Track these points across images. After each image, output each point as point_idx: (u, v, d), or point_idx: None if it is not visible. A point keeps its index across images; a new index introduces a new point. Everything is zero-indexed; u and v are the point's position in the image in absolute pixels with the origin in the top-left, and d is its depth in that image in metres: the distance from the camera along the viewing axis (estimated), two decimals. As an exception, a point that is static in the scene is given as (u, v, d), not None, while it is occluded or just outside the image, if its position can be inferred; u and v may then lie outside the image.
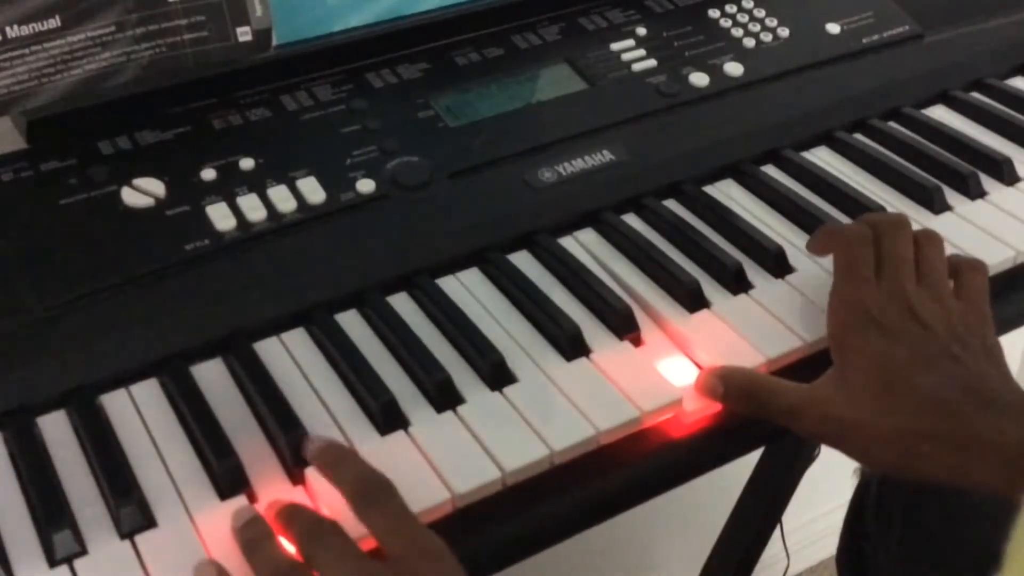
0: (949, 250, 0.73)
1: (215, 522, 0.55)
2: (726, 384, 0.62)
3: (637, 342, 0.66)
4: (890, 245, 0.66)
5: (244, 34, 0.76)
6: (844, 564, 0.92)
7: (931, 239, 0.68)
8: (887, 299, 0.63)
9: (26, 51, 0.69)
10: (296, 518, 0.54)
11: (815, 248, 0.72)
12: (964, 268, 0.68)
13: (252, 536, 0.54)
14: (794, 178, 0.81)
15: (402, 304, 0.68)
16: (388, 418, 0.60)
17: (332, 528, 0.53)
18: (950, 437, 0.58)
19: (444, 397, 0.62)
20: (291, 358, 0.65)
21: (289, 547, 0.53)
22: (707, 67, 0.87)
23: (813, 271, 0.72)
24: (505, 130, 0.80)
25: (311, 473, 0.57)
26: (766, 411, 0.62)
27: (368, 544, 0.54)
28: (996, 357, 0.63)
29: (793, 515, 1.28)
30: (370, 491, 0.54)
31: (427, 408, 0.62)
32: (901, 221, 0.68)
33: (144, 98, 0.75)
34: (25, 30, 0.69)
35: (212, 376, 0.63)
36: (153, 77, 0.74)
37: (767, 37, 0.91)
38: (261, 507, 0.56)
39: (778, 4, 0.93)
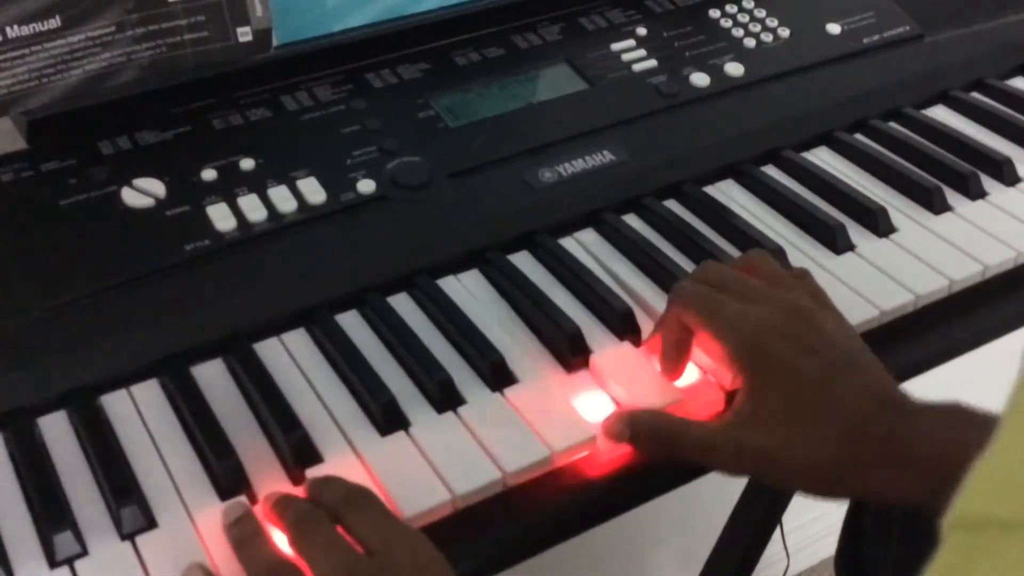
0: (950, 251, 0.73)
1: (215, 522, 0.55)
2: (633, 428, 0.59)
3: (637, 342, 0.66)
4: (721, 279, 0.62)
5: (244, 34, 0.76)
6: (843, 565, 0.92)
7: (752, 258, 0.65)
8: (779, 312, 0.59)
9: (26, 51, 0.69)
10: (284, 510, 0.54)
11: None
12: (796, 275, 0.64)
13: (242, 533, 0.54)
14: (794, 178, 0.81)
15: (402, 304, 0.68)
16: (388, 419, 0.60)
17: (319, 519, 0.53)
18: (878, 452, 0.54)
19: (445, 398, 0.62)
20: (291, 358, 0.65)
21: (281, 544, 0.53)
22: (707, 67, 0.87)
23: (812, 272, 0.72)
24: (505, 130, 0.80)
25: (312, 473, 0.57)
26: (678, 451, 0.58)
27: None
28: (871, 356, 0.59)
29: (793, 515, 1.28)
30: (352, 498, 0.54)
31: (428, 409, 0.62)
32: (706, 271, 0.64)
33: (144, 98, 0.75)
34: (25, 30, 0.69)
35: (212, 376, 0.63)
36: (153, 77, 0.74)
37: (767, 37, 0.91)
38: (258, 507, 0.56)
39: (778, 4, 0.93)
